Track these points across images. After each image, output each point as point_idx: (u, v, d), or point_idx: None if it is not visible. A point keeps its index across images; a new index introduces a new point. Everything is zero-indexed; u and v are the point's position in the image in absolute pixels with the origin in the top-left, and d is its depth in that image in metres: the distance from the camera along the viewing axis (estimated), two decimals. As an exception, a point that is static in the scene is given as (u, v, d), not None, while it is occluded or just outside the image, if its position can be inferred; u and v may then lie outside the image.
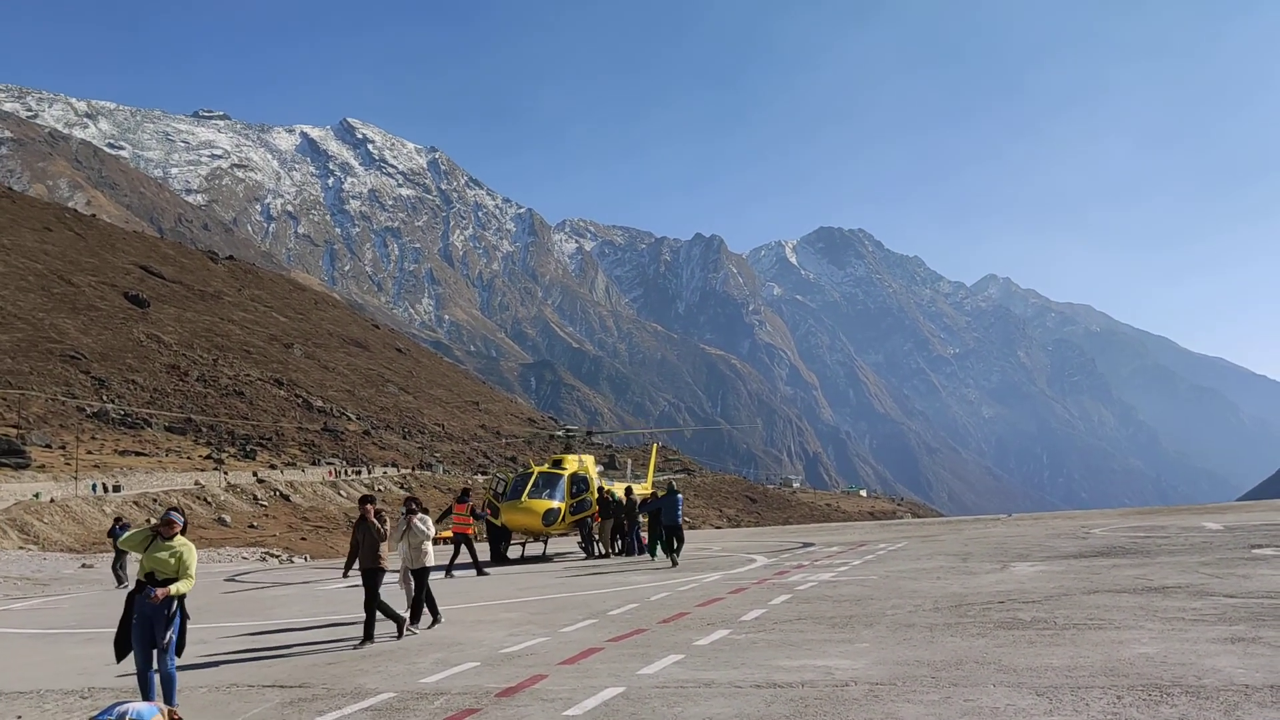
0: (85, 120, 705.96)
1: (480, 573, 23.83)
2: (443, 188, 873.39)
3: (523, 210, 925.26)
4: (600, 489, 30.18)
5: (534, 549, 32.90)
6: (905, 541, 28.11)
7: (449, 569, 24.19)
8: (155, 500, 66.07)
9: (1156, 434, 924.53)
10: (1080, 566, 17.21)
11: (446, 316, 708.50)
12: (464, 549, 24.46)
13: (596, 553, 29.22)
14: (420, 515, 14.15)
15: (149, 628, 8.54)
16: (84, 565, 37.16)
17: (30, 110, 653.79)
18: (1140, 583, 14.14)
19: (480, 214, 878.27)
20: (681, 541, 23.81)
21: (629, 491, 30.29)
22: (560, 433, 37.01)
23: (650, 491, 36.95)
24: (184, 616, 8.80)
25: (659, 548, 24.59)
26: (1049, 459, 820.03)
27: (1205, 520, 29.27)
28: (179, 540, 8.82)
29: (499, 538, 29.75)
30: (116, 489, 66.21)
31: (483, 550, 29.29)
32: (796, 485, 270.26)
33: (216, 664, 11.55)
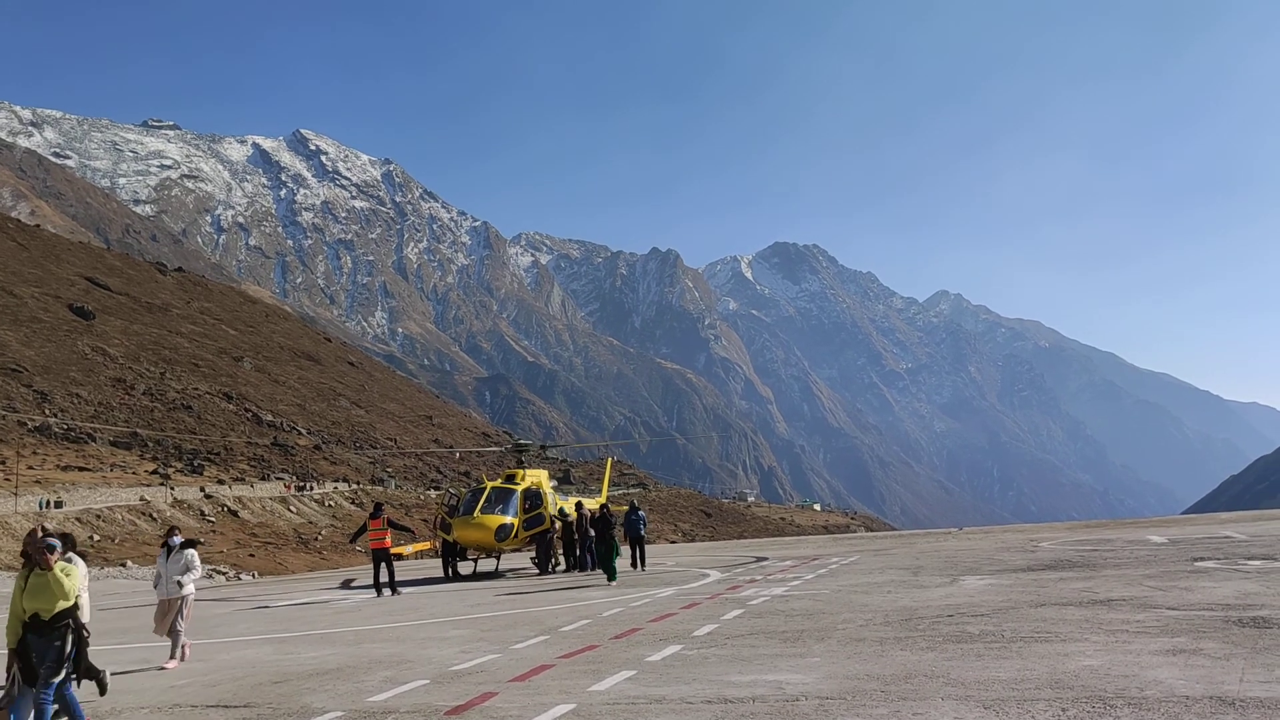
0: (30, 129, 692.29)
1: (394, 591, 23.43)
2: (397, 200, 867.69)
3: (478, 223, 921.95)
4: (561, 508, 30.10)
5: (487, 565, 32.67)
6: (858, 555, 28.30)
7: (377, 587, 23.73)
8: (98, 516, 64.70)
9: (1104, 448, 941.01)
10: (1028, 580, 17.43)
11: (400, 330, 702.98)
12: (384, 566, 23.86)
13: (550, 569, 29.07)
14: (189, 550, 13.59)
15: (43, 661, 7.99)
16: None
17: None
18: (1086, 595, 14.35)
19: (435, 227, 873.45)
20: (644, 554, 27.60)
21: (579, 506, 30.12)
22: (513, 446, 36.80)
23: (603, 504, 36.86)
24: (79, 640, 8.23)
25: (613, 565, 23.87)
26: (999, 473, 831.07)
27: (1150, 534, 29.81)
28: (58, 566, 8.16)
29: (450, 553, 29.48)
30: (59, 504, 64.71)
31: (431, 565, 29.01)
32: (751, 499, 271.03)
33: (159, 685, 11.32)
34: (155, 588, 13.71)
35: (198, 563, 13.62)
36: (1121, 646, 9.81)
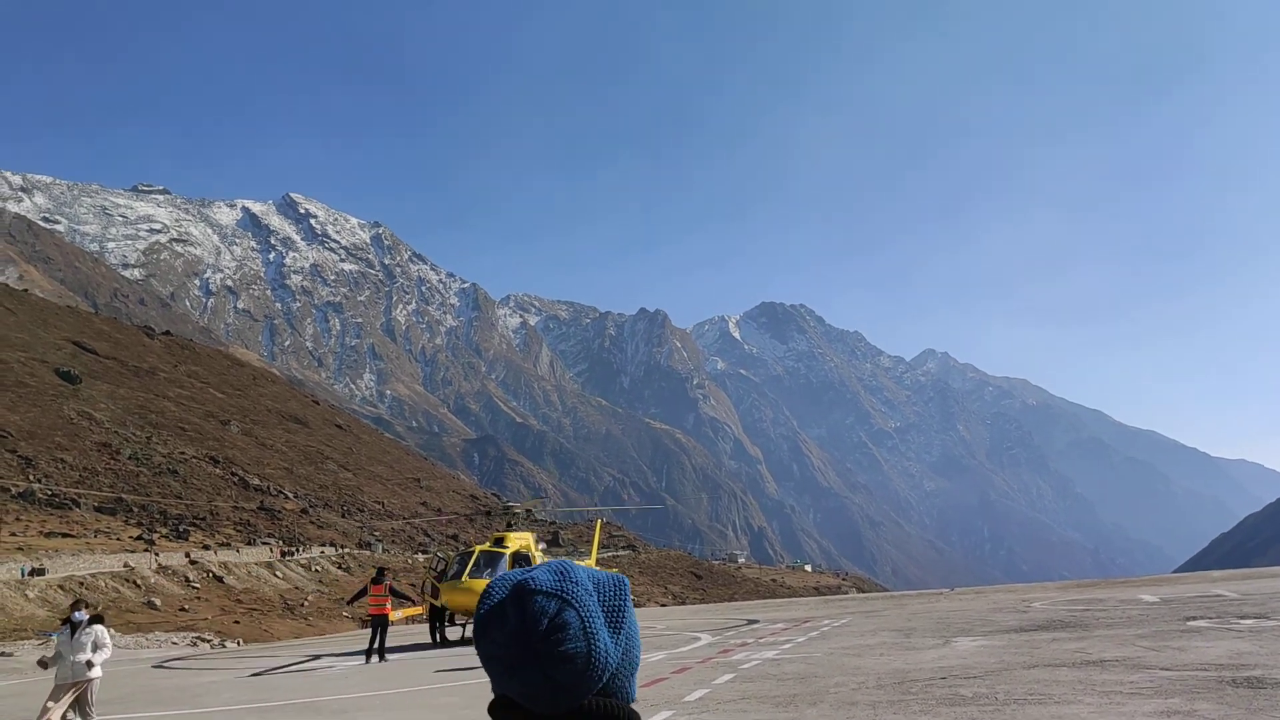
0: (20, 194, 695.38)
1: (381, 658, 23.16)
2: (386, 262, 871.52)
3: (467, 285, 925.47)
4: None
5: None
6: (849, 617, 28.09)
7: (368, 653, 23.44)
8: (81, 584, 63.76)
9: (1093, 506, 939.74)
10: (1021, 641, 17.33)
11: (388, 392, 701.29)
12: (378, 632, 23.59)
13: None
14: (96, 626, 12.29)
15: None
16: (2, 654, 35.66)
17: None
18: (1079, 656, 14.27)
19: (424, 288, 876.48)
20: None
21: None
22: (502, 510, 36.59)
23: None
24: None
25: None
26: (990, 531, 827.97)
27: (1142, 593, 29.70)
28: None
29: (438, 618, 29.18)
30: (40, 572, 63.75)
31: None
32: (742, 560, 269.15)
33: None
34: (46, 667, 12.11)
35: (108, 639, 12.35)
36: (1115, 708, 9.76)
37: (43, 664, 12.12)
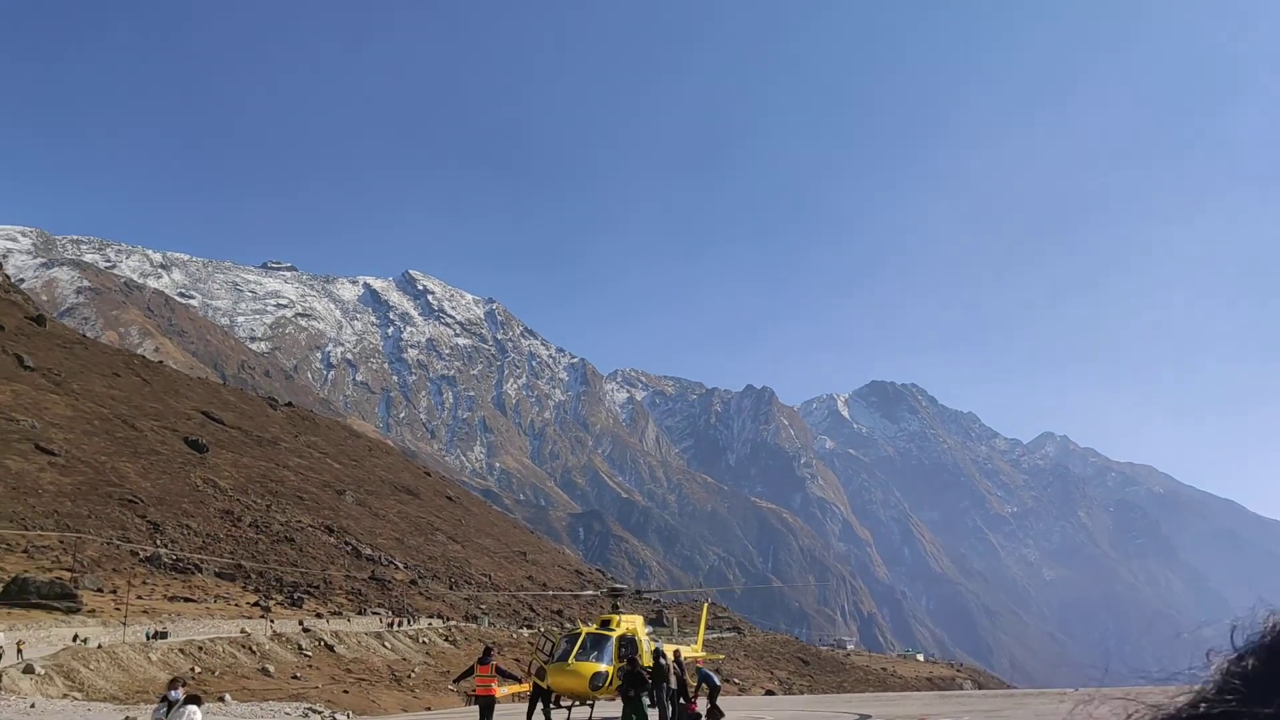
0: (160, 270, 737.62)
1: None
2: (498, 337, 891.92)
3: (575, 360, 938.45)
4: (657, 652, 29.45)
5: (580, 712, 31.99)
6: (969, 716, 26.96)
7: None
8: (200, 648, 65.67)
9: (1228, 602, 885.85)
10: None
11: (497, 464, 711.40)
12: (485, 713, 23.55)
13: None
14: (189, 707, 11.85)
15: None
16: (127, 718, 36.78)
17: (109, 261, 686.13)
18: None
19: (534, 363, 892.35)
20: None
21: (676, 654, 29.52)
22: (608, 589, 36.42)
23: (700, 655, 36.04)
24: None
25: None
26: (1114, 625, 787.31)
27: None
28: None
29: (540, 699, 29.06)
30: (163, 635, 66.00)
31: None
32: (850, 647, 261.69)
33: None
34: None
35: None
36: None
37: None
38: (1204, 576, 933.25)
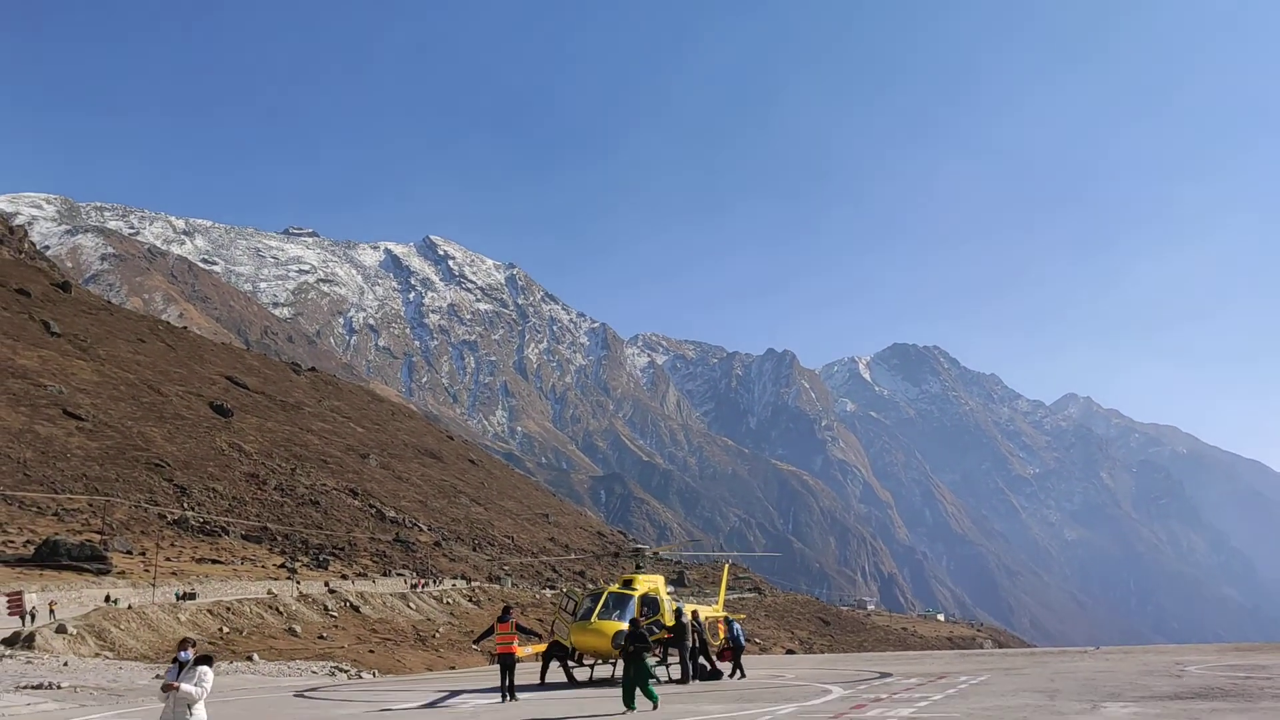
0: (183, 237, 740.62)
1: (512, 697, 23.40)
2: (519, 302, 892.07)
3: (596, 325, 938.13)
4: (678, 611, 29.64)
5: (603, 671, 32.33)
6: (988, 674, 27.03)
7: (502, 692, 23.69)
8: (228, 609, 66.66)
9: (1252, 562, 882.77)
10: (1176, 709, 16.34)
11: (519, 428, 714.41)
12: (507, 671, 23.78)
13: (666, 677, 28.60)
14: (201, 667, 11.54)
15: None
16: (157, 676, 37.40)
17: (133, 228, 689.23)
18: (1243, 731, 13.36)
19: (555, 328, 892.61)
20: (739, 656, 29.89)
21: (695, 615, 29.74)
22: (630, 549, 36.65)
23: (721, 614, 36.28)
24: None
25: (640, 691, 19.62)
26: (1135, 585, 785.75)
27: (1310, 660, 27.69)
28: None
29: (556, 656, 29.35)
30: (191, 596, 67.02)
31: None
32: (871, 607, 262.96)
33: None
34: (166, 692, 11.40)
35: (209, 683, 11.60)
36: (1288, 793, 9.07)
37: (166, 689, 11.46)
38: (1227, 537, 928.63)
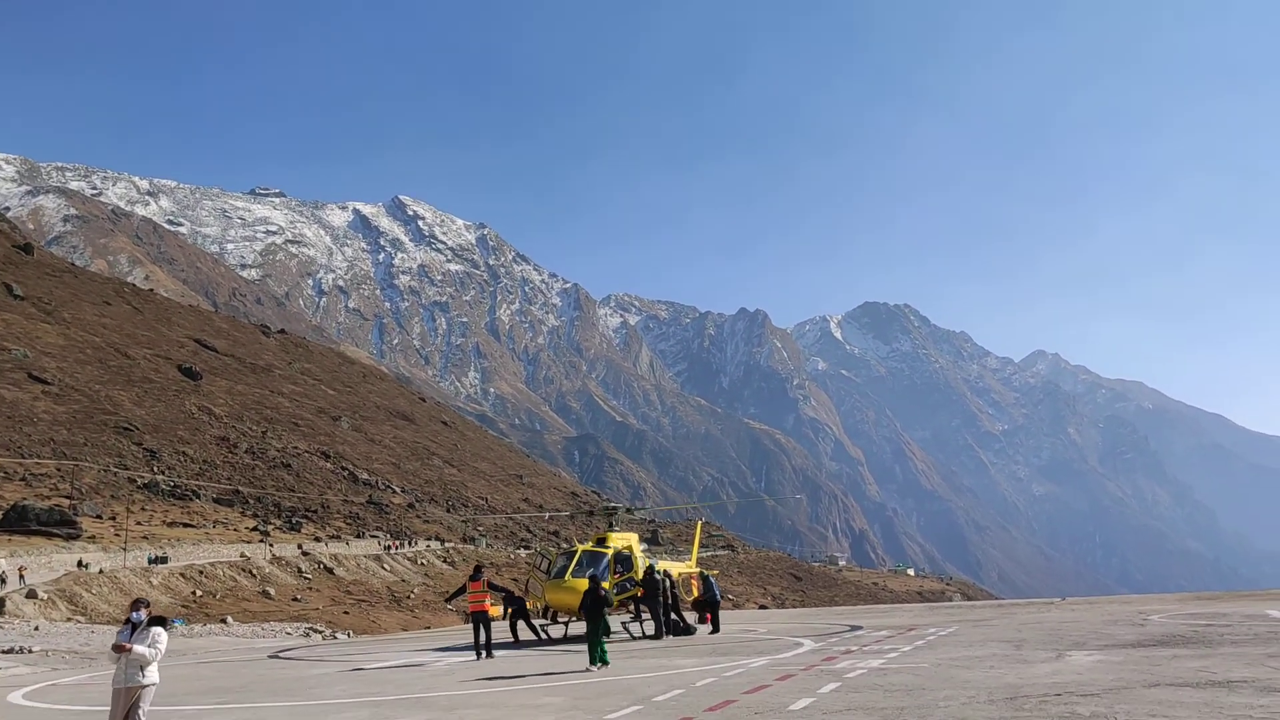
0: (147, 198, 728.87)
1: (488, 654, 23.48)
2: (490, 263, 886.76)
3: (568, 285, 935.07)
4: (651, 567, 29.82)
5: (577, 628, 32.55)
6: (956, 626, 27.46)
7: (477, 649, 23.77)
8: (201, 572, 66.49)
9: (1214, 514, 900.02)
10: (1139, 656, 16.68)
11: (492, 390, 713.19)
12: (481, 628, 23.86)
13: (640, 633, 28.85)
14: (154, 628, 11.03)
15: None
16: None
17: (95, 188, 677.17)
18: (1203, 676, 13.66)
19: (527, 289, 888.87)
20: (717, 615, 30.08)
21: (667, 573, 29.92)
22: (603, 509, 36.83)
23: (694, 570, 36.57)
24: None
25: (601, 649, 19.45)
26: (1102, 539, 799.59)
27: (1270, 608, 28.32)
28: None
29: (519, 617, 29.46)
30: (163, 560, 66.75)
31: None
32: (842, 563, 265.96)
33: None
34: (119, 652, 10.88)
35: (164, 644, 11.05)
36: (1245, 735, 9.30)
37: (117, 649, 10.93)
38: (1191, 490, 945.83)
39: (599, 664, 19.00)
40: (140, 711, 10.73)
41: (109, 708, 10.99)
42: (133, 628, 10.96)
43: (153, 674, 10.85)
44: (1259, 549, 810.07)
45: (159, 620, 11.13)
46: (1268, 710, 10.56)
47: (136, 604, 11.25)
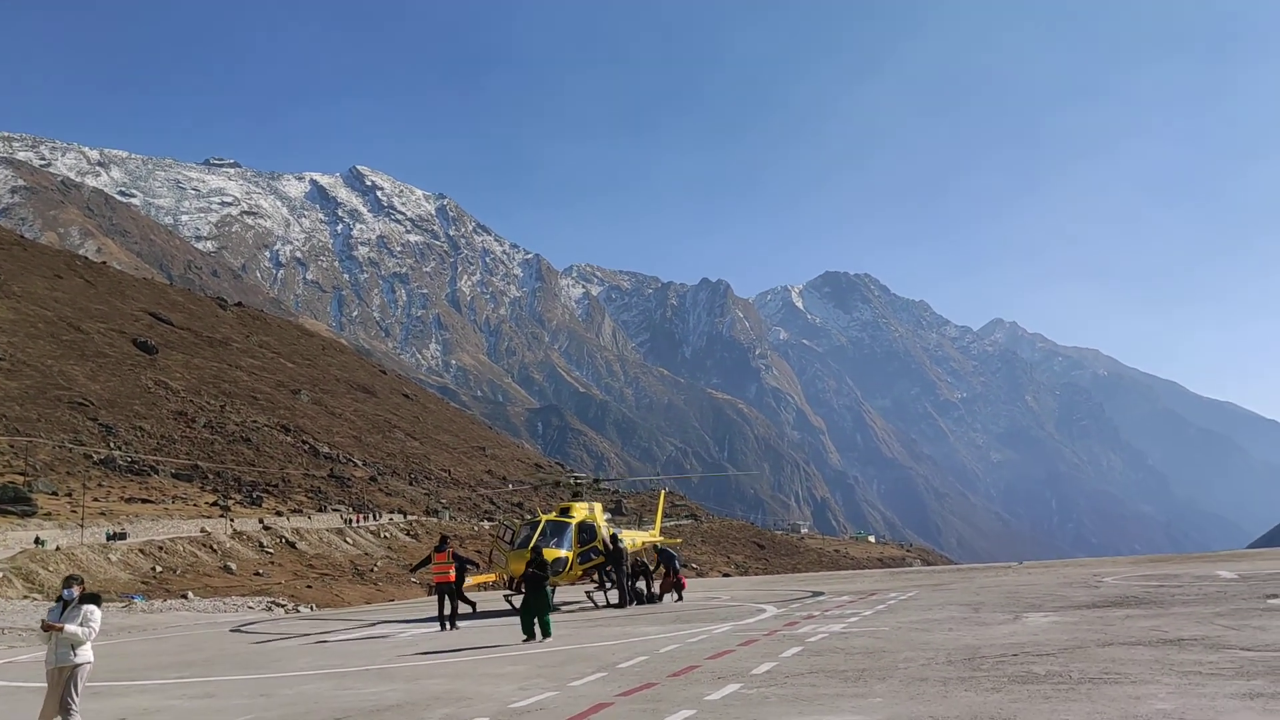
0: (97, 169, 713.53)
1: (452, 625, 23.50)
2: (451, 234, 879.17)
3: (530, 256, 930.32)
4: (614, 537, 29.91)
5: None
6: (916, 590, 27.88)
7: (440, 620, 23.77)
8: (160, 548, 65.86)
9: (1166, 479, 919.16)
10: (1093, 617, 17.04)
11: (454, 361, 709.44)
12: (446, 600, 23.85)
13: (604, 602, 29.02)
14: (87, 606, 10.54)
15: None
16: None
17: (43, 159, 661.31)
18: (1155, 634, 13.99)
19: (488, 260, 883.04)
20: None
21: (616, 539, 29.96)
22: (568, 480, 36.88)
23: (656, 539, 36.77)
24: None
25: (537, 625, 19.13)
26: (1058, 504, 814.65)
27: (1219, 568, 29.02)
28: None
29: (445, 593, 29.35)
30: (122, 536, 65.98)
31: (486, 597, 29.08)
32: (804, 531, 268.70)
33: None
34: (47, 630, 10.38)
35: (97, 622, 10.51)
36: (1195, 689, 9.54)
37: (46, 629, 10.36)
38: (1144, 455, 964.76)
39: (541, 636, 18.72)
40: (75, 690, 10.19)
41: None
42: (64, 605, 10.48)
43: (86, 653, 10.37)
44: (1208, 512, 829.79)
45: (92, 598, 10.63)
46: (1215, 666, 10.84)
47: (69, 581, 10.77)
